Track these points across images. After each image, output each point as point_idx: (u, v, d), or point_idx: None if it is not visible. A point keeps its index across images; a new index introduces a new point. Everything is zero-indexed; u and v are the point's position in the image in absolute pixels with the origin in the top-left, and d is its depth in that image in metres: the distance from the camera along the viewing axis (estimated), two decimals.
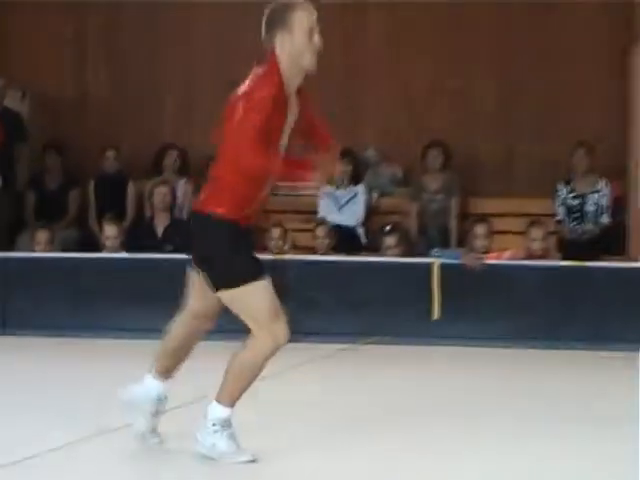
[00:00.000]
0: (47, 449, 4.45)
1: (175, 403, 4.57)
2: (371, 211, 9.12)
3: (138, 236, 9.11)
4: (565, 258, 8.29)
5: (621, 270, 8.26)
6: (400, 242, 8.56)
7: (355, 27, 9.50)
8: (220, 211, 3.97)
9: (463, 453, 4.41)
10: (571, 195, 8.55)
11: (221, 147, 4.05)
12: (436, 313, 8.11)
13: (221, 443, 4.06)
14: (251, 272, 4.02)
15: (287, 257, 8.45)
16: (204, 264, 4.09)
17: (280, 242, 8.60)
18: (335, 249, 8.72)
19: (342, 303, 8.16)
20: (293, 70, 3.89)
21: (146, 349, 5.24)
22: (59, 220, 9.35)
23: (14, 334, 8.29)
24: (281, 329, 4.02)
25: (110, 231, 8.80)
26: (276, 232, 8.60)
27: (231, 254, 4.04)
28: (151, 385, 4.26)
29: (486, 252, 8.26)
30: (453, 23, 9.40)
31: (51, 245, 8.75)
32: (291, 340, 4.11)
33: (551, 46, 9.16)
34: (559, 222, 8.67)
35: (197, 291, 4.22)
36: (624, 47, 8.65)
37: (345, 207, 9.06)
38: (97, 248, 8.98)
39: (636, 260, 8.26)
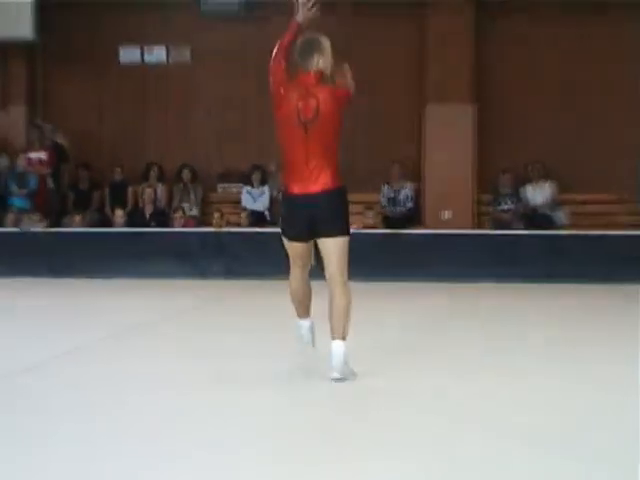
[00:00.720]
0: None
1: None
2: (273, 202, 13.11)
3: (134, 218, 13.14)
4: (387, 228, 12.61)
5: (419, 235, 12.48)
6: None
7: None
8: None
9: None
10: (389, 190, 12.92)
11: (320, 137, 5.19)
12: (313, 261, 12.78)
13: (350, 367, 5.17)
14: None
15: (224, 230, 12.69)
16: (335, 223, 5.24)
17: (220, 221, 12.90)
18: (252, 225, 12.86)
19: (255, 255, 12.10)
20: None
21: (138, 285, 9.25)
22: (87, 209, 13.35)
23: (58, 277, 12.05)
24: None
25: (118, 215, 12.99)
26: (217, 215, 12.91)
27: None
28: (303, 323, 5.61)
29: None
30: None
31: (83, 223, 12.94)
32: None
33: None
34: (383, 207, 12.92)
35: (307, 253, 5.35)
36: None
37: (258, 200, 13.26)
38: (110, 225, 13.06)
39: (428, 228, 12.75)
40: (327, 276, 5.28)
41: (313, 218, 5.20)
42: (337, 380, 5.11)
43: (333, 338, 5.14)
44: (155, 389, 5.18)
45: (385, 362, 5.91)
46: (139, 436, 4.17)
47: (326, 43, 5.37)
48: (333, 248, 5.25)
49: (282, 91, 5.27)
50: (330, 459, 3.73)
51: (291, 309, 5.67)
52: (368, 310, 7.44)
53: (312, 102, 5.20)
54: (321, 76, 5.35)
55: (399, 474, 3.52)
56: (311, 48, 5.35)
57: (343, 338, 5.13)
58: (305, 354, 5.78)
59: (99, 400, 4.89)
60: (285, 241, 5.44)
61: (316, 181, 5.22)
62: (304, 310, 5.62)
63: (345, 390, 5.04)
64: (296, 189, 5.25)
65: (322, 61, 5.33)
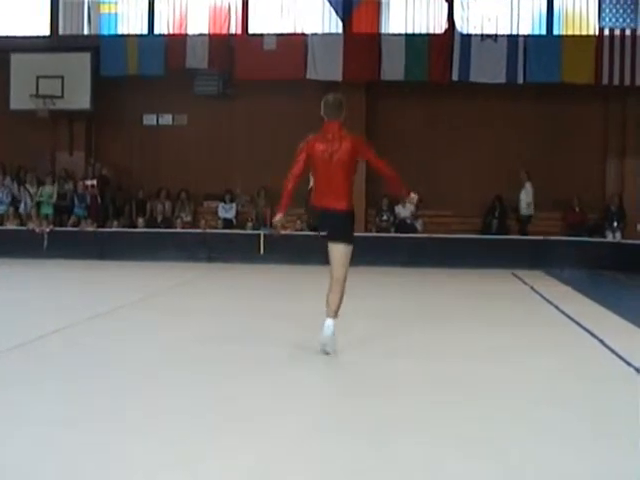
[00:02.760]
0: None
1: None
2: (238, 213, 19.71)
3: (150, 223, 19.39)
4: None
5: None
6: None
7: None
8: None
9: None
10: None
11: (339, 171, 7.01)
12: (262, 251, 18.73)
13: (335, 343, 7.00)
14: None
15: (207, 231, 19.12)
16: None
17: (205, 225, 19.45)
18: (225, 228, 19.23)
19: (226, 247, 18.94)
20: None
21: (154, 266, 15.64)
22: (121, 216, 19.45)
23: (108, 260, 18.00)
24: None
25: (140, 221, 19.48)
26: (203, 221, 19.64)
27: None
28: (330, 323, 7.09)
29: None
30: None
31: (118, 226, 19.14)
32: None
33: None
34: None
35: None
36: None
37: (228, 211, 19.70)
38: (135, 227, 19.29)
39: None
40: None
41: None
42: (327, 353, 7.14)
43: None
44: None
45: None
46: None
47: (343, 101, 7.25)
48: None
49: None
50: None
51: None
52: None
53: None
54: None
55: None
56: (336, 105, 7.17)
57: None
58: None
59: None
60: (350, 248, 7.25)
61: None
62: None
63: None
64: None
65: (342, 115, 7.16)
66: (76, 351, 7.59)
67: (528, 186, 19.02)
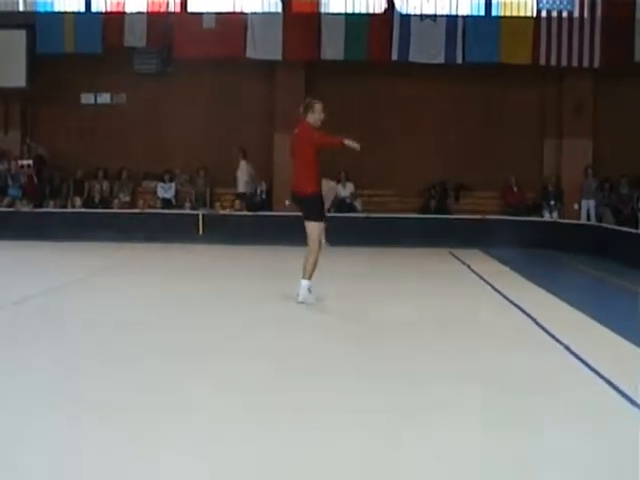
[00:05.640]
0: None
1: None
2: (177, 192, 19.83)
3: (88, 203, 20.02)
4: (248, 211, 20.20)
5: (270, 216, 20.17)
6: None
7: None
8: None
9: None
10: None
11: (300, 158, 8.70)
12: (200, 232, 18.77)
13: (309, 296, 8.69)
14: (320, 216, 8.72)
15: (145, 211, 19.96)
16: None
17: (143, 205, 20.00)
18: (164, 208, 19.56)
19: (164, 227, 19.16)
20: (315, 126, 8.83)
21: (90, 247, 15.71)
22: (58, 197, 19.88)
23: (41, 241, 19.48)
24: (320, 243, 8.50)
25: (77, 201, 20.57)
26: (142, 201, 19.97)
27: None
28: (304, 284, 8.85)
29: None
30: None
31: (55, 206, 20.09)
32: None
33: None
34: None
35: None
36: None
37: (168, 191, 19.52)
38: (72, 208, 20.50)
39: (275, 211, 20.05)
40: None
41: None
42: (299, 302, 8.81)
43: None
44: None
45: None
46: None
47: (317, 105, 9.07)
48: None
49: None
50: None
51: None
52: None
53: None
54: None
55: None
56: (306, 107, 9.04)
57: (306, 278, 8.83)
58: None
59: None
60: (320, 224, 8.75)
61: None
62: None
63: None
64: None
65: (310, 116, 9.01)
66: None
67: (243, 165, 19.27)
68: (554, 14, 19.14)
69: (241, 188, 19.42)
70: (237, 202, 19.33)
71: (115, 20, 19.40)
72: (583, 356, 6.51)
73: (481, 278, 12.15)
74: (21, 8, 19.90)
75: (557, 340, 7.21)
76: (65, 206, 19.42)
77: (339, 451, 4.34)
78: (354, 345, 7.05)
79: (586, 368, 6.18)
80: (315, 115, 9.03)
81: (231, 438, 4.53)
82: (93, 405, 5.06)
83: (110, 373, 5.89)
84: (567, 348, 6.85)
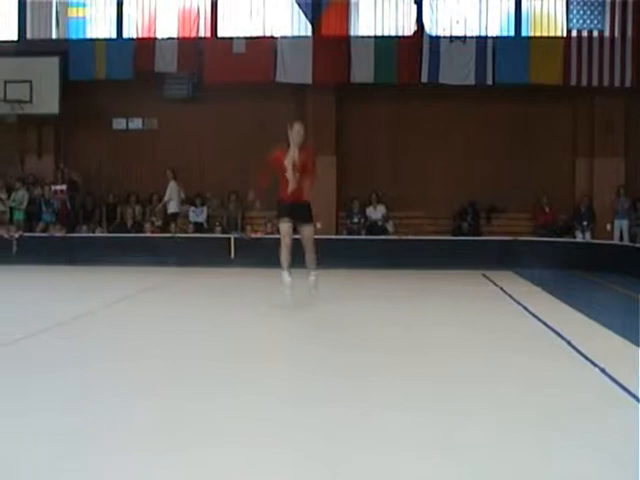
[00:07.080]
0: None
1: None
2: (209, 217, 19.87)
3: (120, 227, 20.00)
4: None
5: None
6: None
7: None
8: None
9: None
10: None
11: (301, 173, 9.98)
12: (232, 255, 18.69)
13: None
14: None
15: (177, 235, 19.81)
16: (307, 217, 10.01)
17: (176, 230, 19.99)
18: (196, 232, 19.43)
19: (196, 251, 19.14)
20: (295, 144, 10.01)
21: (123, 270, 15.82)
22: (92, 222, 20.24)
23: (77, 265, 19.73)
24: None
25: (99, 229, 20.71)
26: (173, 226, 20.10)
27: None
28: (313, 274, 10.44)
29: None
30: None
31: (89, 231, 20.40)
32: None
33: None
34: None
35: (290, 230, 10.03)
36: None
37: (200, 215, 19.89)
38: (102, 232, 20.72)
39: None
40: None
41: None
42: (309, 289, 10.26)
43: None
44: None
45: None
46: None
47: (295, 126, 10.14)
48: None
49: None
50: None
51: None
52: None
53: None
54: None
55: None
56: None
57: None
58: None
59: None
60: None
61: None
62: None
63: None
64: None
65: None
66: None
67: (173, 185, 19.16)
68: (584, 34, 19.08)
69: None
70: (268, 225, 19.22)
71: (146, 46, 19.60)
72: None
73: (516, 301, 12.00)
74: (54, 35, 20.14)
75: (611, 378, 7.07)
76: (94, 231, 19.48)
77: None
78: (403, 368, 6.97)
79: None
80: (291, 134, 10.26)
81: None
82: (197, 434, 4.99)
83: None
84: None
